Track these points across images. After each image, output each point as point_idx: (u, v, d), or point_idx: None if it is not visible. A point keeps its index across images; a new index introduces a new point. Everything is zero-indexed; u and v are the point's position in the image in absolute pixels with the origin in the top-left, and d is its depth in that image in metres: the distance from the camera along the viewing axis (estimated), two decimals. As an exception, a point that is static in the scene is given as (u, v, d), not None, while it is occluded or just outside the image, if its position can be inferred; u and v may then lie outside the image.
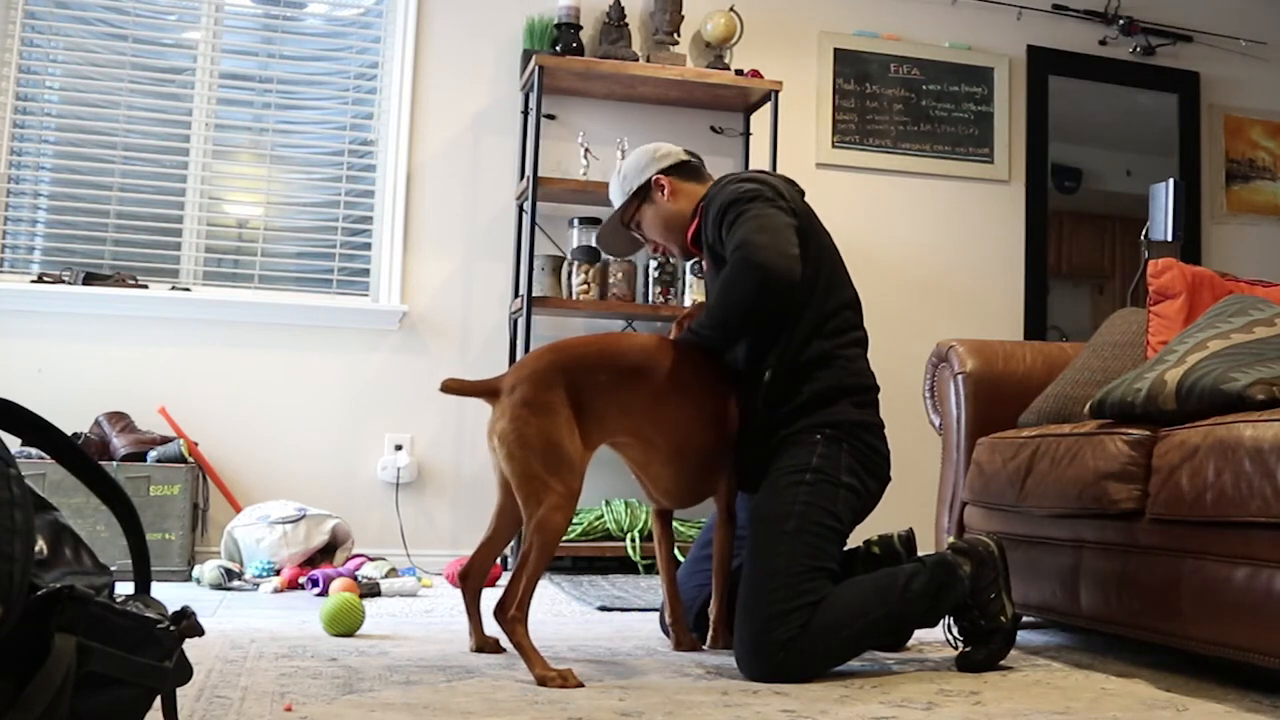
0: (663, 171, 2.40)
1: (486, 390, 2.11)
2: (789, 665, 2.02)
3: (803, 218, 2.27)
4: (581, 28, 4.05)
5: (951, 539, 2.35)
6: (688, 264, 2.43)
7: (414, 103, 4.09)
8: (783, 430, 2.23)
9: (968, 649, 2.21)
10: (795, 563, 2.09)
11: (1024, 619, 2.80)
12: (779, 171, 4.04)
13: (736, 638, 2.10)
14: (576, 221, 4.01)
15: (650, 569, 3.73)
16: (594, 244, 3.96)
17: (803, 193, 2.39)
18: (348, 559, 3.43)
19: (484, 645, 2.23)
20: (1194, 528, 2.06)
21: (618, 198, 2.45)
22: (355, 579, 3.09)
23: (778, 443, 2.23)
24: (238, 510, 3.63)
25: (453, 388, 2.14)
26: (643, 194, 2.42)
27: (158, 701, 1.26)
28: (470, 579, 2.23)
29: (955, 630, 2.25)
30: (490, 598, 2.17)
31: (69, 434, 1.43)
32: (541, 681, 1.91)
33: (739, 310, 2.17)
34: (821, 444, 2.20)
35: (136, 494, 3.34)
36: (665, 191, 2.40)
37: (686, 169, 2.43)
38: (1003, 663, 2.26)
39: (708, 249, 2.32)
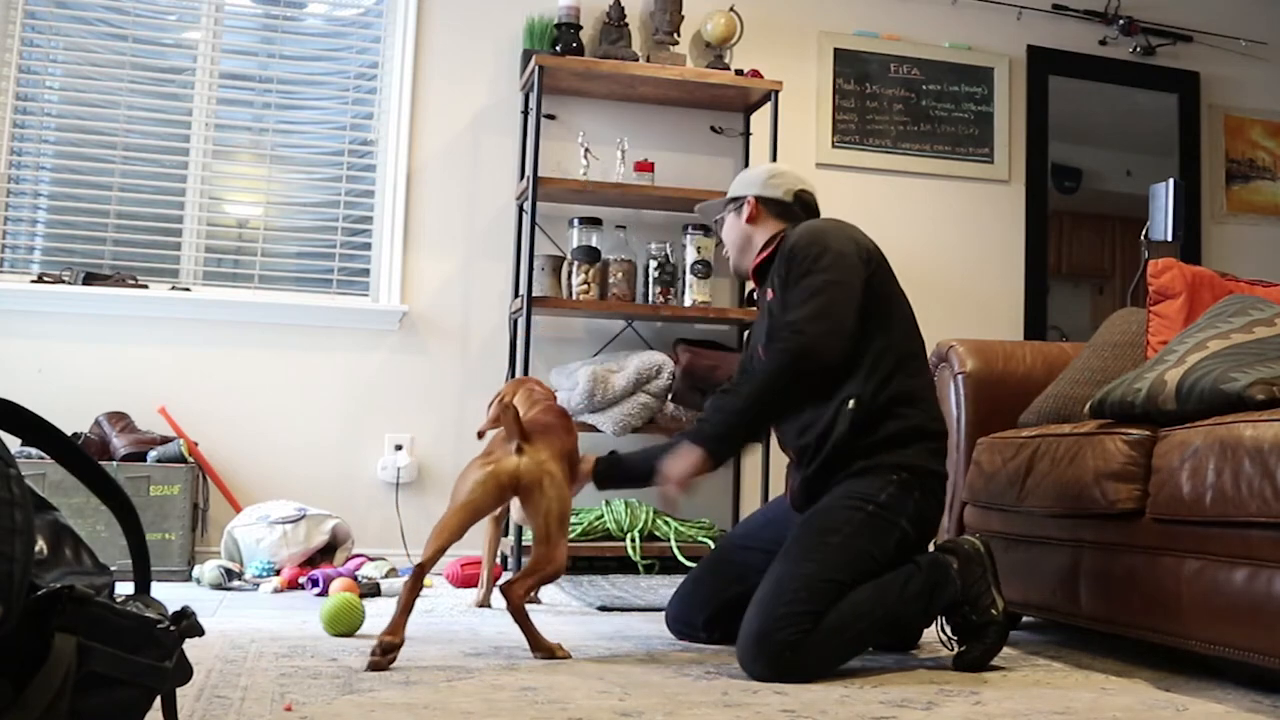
0: (759, 198, 2.50)
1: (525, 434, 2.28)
2: (794, 665, 2.04)
3: (875, 266, 2.35)
4: (581, 28, 4.05)
5: (935, 541, 2.37)
6: (742, 280, 2.71)
7: (414, 103, 4.09)
8: (861, 461, 2.25)
9: (963, 648, 2.22)
10: (824, 571, 2.12)
11: (1024, 619, 2.80)
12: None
13: (742, 631, 2.10)
14: (576, 221, 4.01)
15: (650, 569, 3.74)
16: (593, 248, 3.97)
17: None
18: (348, 559, 3.43)
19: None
20: (1194, 528, 2.06)
21: (730, 192, 2.57)
22: (355, 579, 3.09)
23: (853, 471, 2.25)
24: (238, 510, 3.63)
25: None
26: (736, 204, 2.53)
27: (158, 701, 1.26)
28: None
29: (948, 629, 2.27)
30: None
31: (69, 434, 1.42)
32: (549, 653, 2.21)
33: (779, 401, 2.25)
34: (895, 485, 2.22)
35: (136, 494, 3.34)
36: (746, 214, 2.50)
37: (779, 207, 2.50)
38: (1003, 663, 2.27)
39: (779, 282, 2.35)
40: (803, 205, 2.52)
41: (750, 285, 2.80)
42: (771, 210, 2.50)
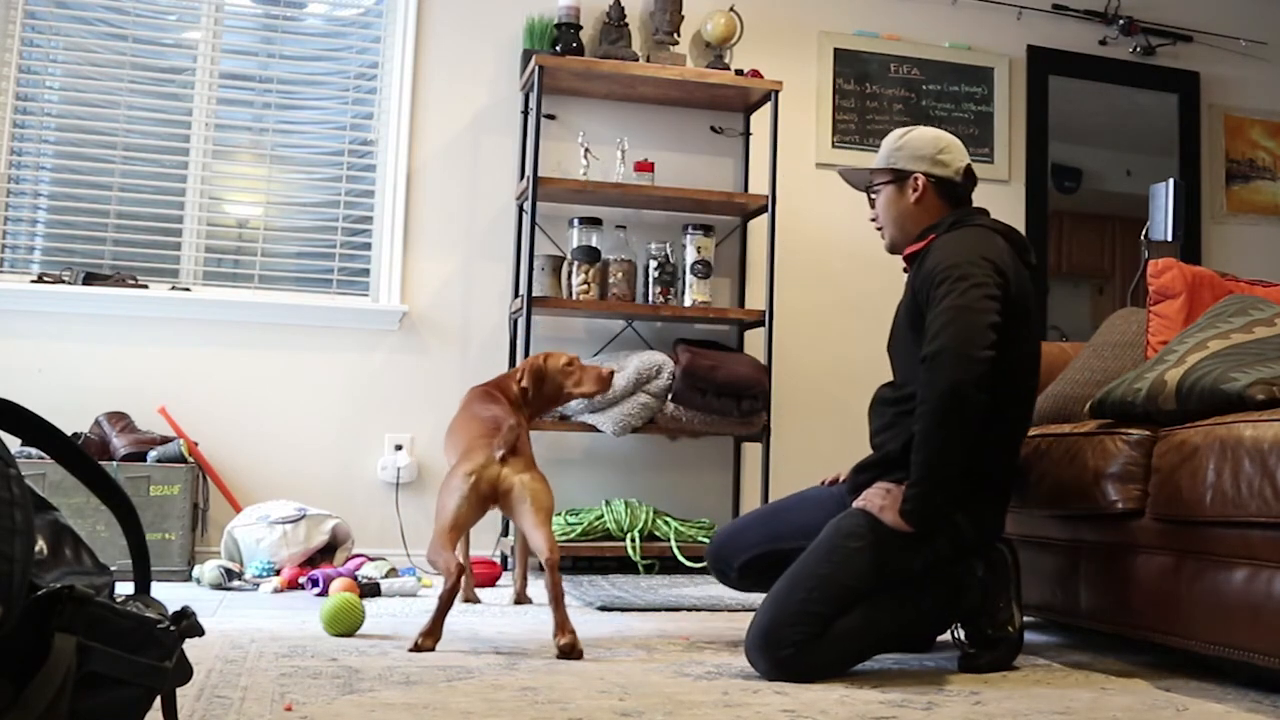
0: (929, 176, 2.32)
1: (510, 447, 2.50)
2: (798, 665, 2.03)
3: (1016, 297, 2.17)
4: (581, 28, 4.05)
5: None
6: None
7: (414, 103, 4.09)
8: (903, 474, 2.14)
9: (972, 650, 2.21)
10: (842, 574, 2.08)
11: (1024, 619, 2.79)
12: (779, 172, 4.03)
13: (751, 624, 2.10)
14: (576, 221, 4.00)
15: (650, 569, 3.74)
16: (593, 248, 3.97)
17: (1029, 250, 2.29)
18: (348, 559, 3.43)
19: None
20: (1194, 528, 2.06)
21: (884, 159, 2.38)
22: (355, 579, 3.08)
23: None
24: (238, 510, 3.63)
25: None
26: (899, 175, 2.35)
27: (158, 701, 1.26)
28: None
29: (962, 633, 2.25)
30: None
31: (69, 434, 1.42)
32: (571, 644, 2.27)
33: (960, 447, 2.06)
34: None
35: (136, 494, 3.34)
36: (915, 193, 2.33)
37: (947, 187, 2.33)
38: (1002, 663, 2.27)
39: (913, 292, 2.24)
40: (969, 182, 2.35)
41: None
42: (939, 190, 2.32)
